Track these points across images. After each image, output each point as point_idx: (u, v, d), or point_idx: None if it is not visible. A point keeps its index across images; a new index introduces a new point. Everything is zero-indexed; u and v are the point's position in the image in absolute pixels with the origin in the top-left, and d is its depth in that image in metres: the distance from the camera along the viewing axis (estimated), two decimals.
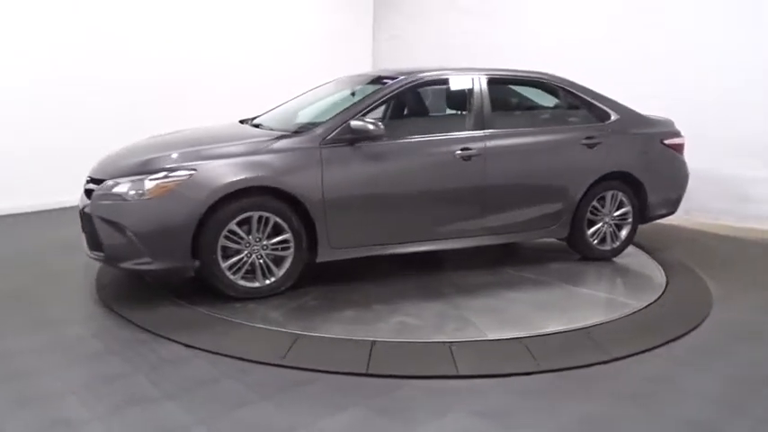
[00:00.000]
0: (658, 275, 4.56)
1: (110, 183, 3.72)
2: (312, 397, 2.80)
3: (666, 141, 4.94)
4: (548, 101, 4.97)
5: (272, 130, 4.28)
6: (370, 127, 3.89)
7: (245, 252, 3.79)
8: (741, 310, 3.99)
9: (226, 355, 3.15)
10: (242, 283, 3.82)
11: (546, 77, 4.76)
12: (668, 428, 2.60)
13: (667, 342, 3.42)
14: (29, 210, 6.37)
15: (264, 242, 3.82)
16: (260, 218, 3.77)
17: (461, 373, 3.01)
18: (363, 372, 3.01)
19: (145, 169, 3.69)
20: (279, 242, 3.85)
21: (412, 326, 3.55)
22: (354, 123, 3.91)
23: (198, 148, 3.85)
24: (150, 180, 3.61)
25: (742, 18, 5.87)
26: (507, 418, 2.65)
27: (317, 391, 2.85)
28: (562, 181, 4.55)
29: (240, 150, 3.82)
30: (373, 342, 3.29)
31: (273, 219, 3.80)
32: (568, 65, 5.60)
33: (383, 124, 3.99)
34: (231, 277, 3.78)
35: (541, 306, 3.92)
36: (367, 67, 9.09)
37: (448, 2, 8.41)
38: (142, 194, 3.59)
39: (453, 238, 4.33)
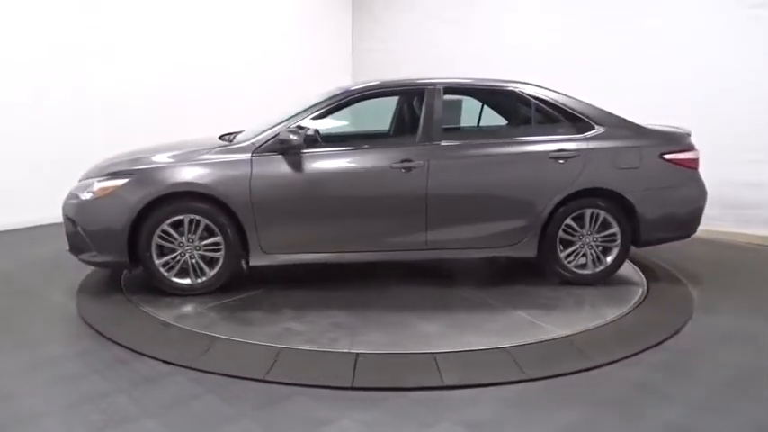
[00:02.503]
0: (639, 281, 4.60)
1: (76, 185, 4.28)
2: (296, 412, 2.77)
3: (668, 156, 4.41)
4: (516, 111, 4.91)
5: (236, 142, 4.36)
6: (293, 137, 4.05)
7: (178, 252, 4.12)
8: (723, 314, 4.03)
9: (207, 372, 3.12)
10: (175, 279, 4.17)
11: (516, 87, 4.49)
12: None
13: (649, 347, 3.44)
14: (9, 227, 6.29)
15: (196, 243, 4.11)
16: (191, 220, 4.09)
17: (447, 383, 3.00)
18: (349, 385, 2.99)
19: (99, 174, 4.20)
20: (210, 244, 4.13)
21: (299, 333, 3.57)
22: (281, 134, 4.08)
23: (142, 156, 4.25)
24: (98, 183, 4.11)
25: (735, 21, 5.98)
26: (494, 429, 2.64)
27: (301, 406, 2.83)
28: (523, 196, 4.28)
29: (176, 158, 4.18)
30: (357, 355, 3.28)
31: (204, 222, 4.08)
32: (556, 70, 5.65)
33: (320, 134, 4.28)
34: (165, 274, 4.15)
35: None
36: (348, 79, 9.13)
37: (427, 12, 8.48)
38: (91, 195, 4.09)
39: (394, 250, 4.31)
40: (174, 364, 3.21)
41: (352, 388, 2.98)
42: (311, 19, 9.04)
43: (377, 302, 4.13)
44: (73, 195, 4.21)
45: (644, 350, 3.40)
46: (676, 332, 3.67)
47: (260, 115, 5.05)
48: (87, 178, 4.27)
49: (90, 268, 4.75)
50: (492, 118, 5.03)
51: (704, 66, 6.17)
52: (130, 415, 2.72)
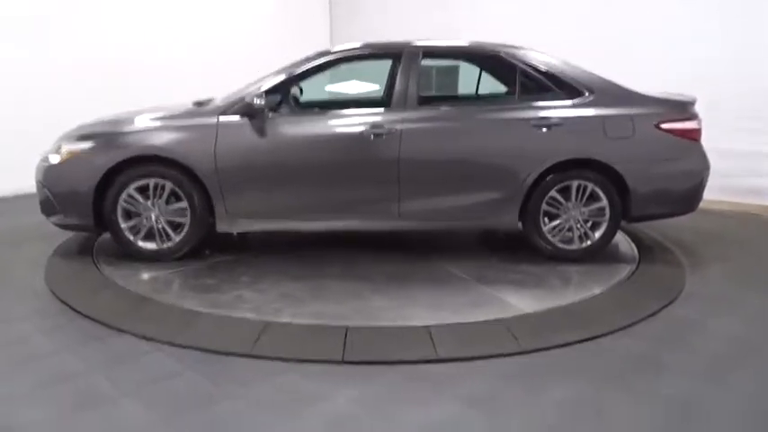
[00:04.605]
0: (629, 251, 4.52)
1: (48, 148, 4.23)
2: (284, 388, 2.63)
3: (666, 125, 4.10)
4: (500, 76, 4.73)
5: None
6: (258, 101, 3.94)
7: (144, 216, 4.08)
8: (715, 284, 3.97)
9: (189, 347, 2.95)
10: (140, 244, 4.13)
11: (501, 50, 4.24)
12: (654, 407, 2.53)
13: (645, 318, 3.37)
14: None
15: (162, 208, 4.08)
16: (156, 185, 4.03)
17: (441, 356, 2.88)
18: (339, 359, 2.85)
19: (68, 137, 4.15)
20: (176, 209, 4.09)
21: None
22: (247, 98, 3.98)
23: (111, 120, 4.21)
24: (65, 146, 4.08)
25: None
26: (493, 404, 2.53)
27: (289, 381, 2.68)
28: (503, 166, 4.06)
29: (143, 123, 4.10)
30: (346, 328, 3.13)
31: (169, 186, 4.03)
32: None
33: (292, 98, 4.24)
34: (131, 238, 4.11)
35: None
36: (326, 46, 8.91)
37: None
38: (58, 159, 4.07)
39: (366, 220, 4.18)
40: (152, 339, 3.04)
41: (342, 362, 2.85)
42: None
43: (336, 274, 3.99)
44: (44, 159, 4.19)
45: (639, 321, 3.32)
46: (670, 303, 3.60)
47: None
48: (59, 142, 4.21)
49: (60, 240, 4.62)
50: (474, 83, 4.86)
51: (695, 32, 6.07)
52: (107, 395, 2.55)
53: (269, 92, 4.07)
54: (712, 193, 5.73)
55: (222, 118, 4.03)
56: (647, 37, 6.38)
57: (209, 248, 4.36)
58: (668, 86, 4.52)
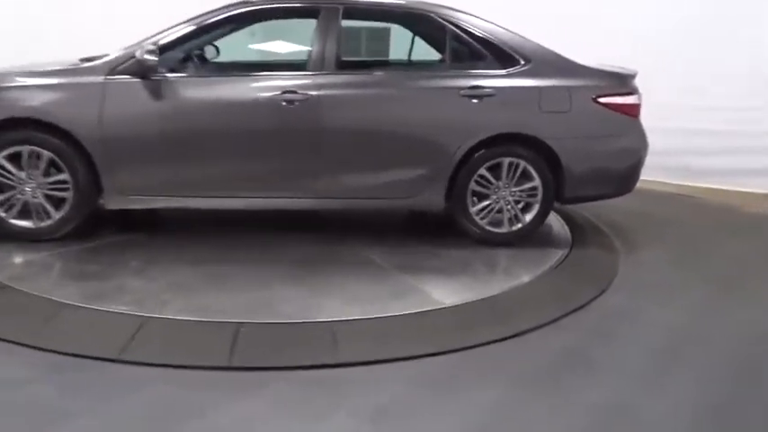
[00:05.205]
0: (561, 234, 4.24)
1: None
2: (154, 402, 2.20)
3: (603, 99, 3.76)
4: (429, 39, 4.34)
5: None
6: (150, 58, 3.40)
7: (18, 189, 3.54)
8: (650, 270, 3.75)
9: (47, 350, 2.47)
10: (12, 221, 3.58)
11: (431, 10, 3.83)
12: (578, 415, 2.24)
13: (576, 309, 3.08)
14: None
15: (39, 180, 3.54)
16: (32, 153, 3.49)
17: (344, 359, 2.50)
18: (225, 364, 2.44)
19: None
20: (56, 182, 3.55)
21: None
22: (138, 53, 3.42)
23: None
24: None
25: None
26: (398, 416, 2.18)
27: (161, 393, 2.25)
28: (429, 139, 3.68)
29: (13, 80, 3.56)
30: (238, 325, 2.70)
31: (47, 155, 3.49)
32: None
33: (195, 57, 3.87)
34: (2, 214, 3.58)
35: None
36: None
37: None
38: None
39: (277, 197, 3.74)
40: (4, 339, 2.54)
41: (228, 368, 2.43)
42: None
43: (241, 258, 3.55)
44: None
45: (570, 313, 3.04)
46: (603, 291, 3.34)
47: None
48: None
49: None
50: (402, 47, 4.45)
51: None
52: None
53: (167, 47, 3.57)
54: (646, 173, 5.50)
55: (111, 77, 3.51)
56: (587, 8, 6.07)
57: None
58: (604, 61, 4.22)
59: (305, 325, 2.77)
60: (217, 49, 4.42)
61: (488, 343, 2.70)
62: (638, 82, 3.93)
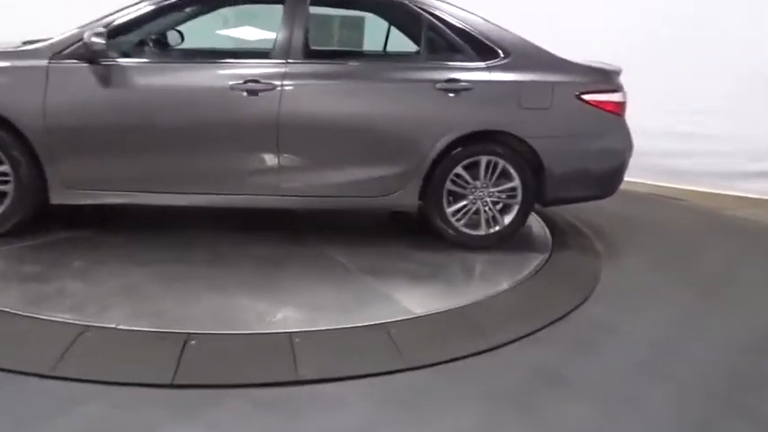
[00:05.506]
0: (541, 238, 4.04)
1: None
2: (86, 425, 1.95)
3: (588, 97, 3.59)
4: (404, 29, 4.13)
5: None
6: (97, 41, 3.13)
7: None
8: (633, 277, 3.58)
9: None
10: None
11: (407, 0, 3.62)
12: None
13: (554, 321, 2.87)
14: None
15: None
16: None
17: (302, 376, 2.26)
18: (168, 382, 2.18)
19: None
20: None
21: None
22: (85, 36, 3.15)
23: None
24: None
25: None
26: None
27: (93, 415, 2.00)
28: (401, 135, 3.49)
29: None
30: (187, 336, 2.45)
31: None
32: None
33: (150, 42, 3.64)
34: None
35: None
36: None
37: None
38: None
39: (238, 194, 3.49)
40: None
41: (172, 386, 2.18)
42: None
43: (198, 260, 3.28)
44: None
45: (549, 324, 2.83)
46: (584, 300, 3.14)
47: None
48: None
49: None
50: (376, 37, 4.21)
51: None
52: None
53: (120, 30, 3.31)
54: (629, 174, 5.32)
55: (55, 61, 3.24)
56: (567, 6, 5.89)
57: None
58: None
59: (261, 336, 2.53)
60: (181, 34, 4.17)
61: (462, 357, 2.48)
62: (623, 81, 3.76)
